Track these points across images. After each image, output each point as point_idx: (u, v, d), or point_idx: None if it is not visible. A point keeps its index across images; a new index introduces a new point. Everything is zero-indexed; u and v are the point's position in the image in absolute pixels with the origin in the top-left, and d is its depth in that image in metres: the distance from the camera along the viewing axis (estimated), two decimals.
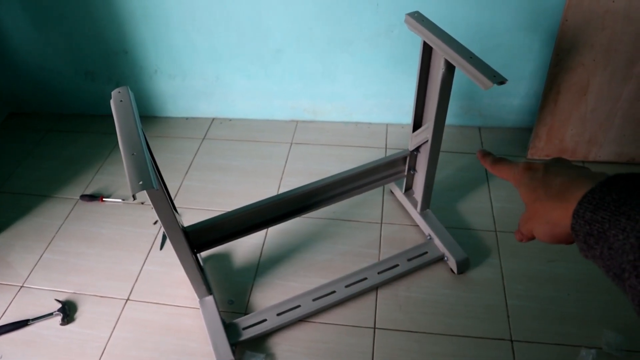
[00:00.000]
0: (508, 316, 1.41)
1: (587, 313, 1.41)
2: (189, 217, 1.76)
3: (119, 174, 1.99)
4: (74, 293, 1.57)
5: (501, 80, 1.06)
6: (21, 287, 1.60)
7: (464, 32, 1.75)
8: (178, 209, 1.79)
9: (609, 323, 1.37)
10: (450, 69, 1.22)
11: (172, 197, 1.86)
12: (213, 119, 2.23)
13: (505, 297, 1.46)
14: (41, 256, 1.69)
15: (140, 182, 0.85)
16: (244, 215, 1.38)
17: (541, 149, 1.87)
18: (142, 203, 1.84)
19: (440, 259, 1.54)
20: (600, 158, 1.85)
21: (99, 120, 2.26)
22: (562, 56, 1.63)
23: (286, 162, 1.98)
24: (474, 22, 1.74)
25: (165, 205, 1.06)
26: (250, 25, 1.87)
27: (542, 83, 1.82)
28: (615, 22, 1.54)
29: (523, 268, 1.53)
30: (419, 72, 1.33)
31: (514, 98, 1.96)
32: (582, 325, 1.38)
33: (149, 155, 0.98)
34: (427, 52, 1.29)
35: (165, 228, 1.13)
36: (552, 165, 0.49)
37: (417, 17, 1.26)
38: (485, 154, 0.60)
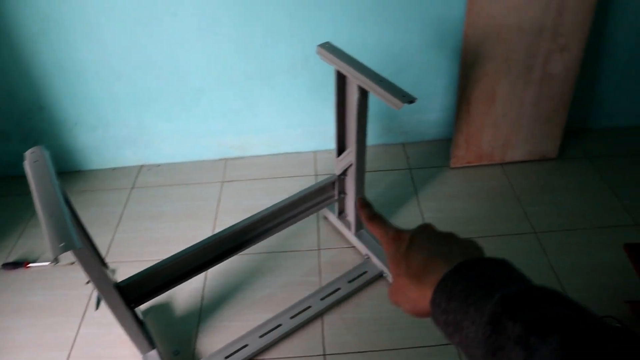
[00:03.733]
0: None
1: None
2: (125, 270, 1.69)
3: (43, 236, 1.88)
4: None
5: (410, 100, 1.13)
6: None
7: (378, 55, 1.83)
8: (112, 264, 1.73)
9: None
10: (364, 93, 1.28)
11: (105, 251, 1.79)
12: (141, 167, 2.18)
13: None
14: None
15: (62, 244, 0.82)
16: (179, 261, 1.36)
17: (462, 157, 1.97)
18: (72, 263, 1.76)
19: (380, 275, 1.58)
20: (516, 158, 1.98)
21: (18, 182, 2.13)
22: (467, 69, 1.75)
23: (219, 201, 1.96)
24: (386, 44, 1.83)
25: (93, 263, 1.03)
26: (168, 68, 1.87)
27: (454, 96, 1.94)
28: (510, 34, 1.68)
29: None
30: (336, 99, 1.38)
31: (431, 113, 2.06)
32: None
33: (70, 214, 0.95)
34: (341, 79, 1.34)
35: (96, 287, 1.09)
36: (417, 236, 0.47)
37: (329, 48, 1.31)
38: (364, 204, 0.55)
